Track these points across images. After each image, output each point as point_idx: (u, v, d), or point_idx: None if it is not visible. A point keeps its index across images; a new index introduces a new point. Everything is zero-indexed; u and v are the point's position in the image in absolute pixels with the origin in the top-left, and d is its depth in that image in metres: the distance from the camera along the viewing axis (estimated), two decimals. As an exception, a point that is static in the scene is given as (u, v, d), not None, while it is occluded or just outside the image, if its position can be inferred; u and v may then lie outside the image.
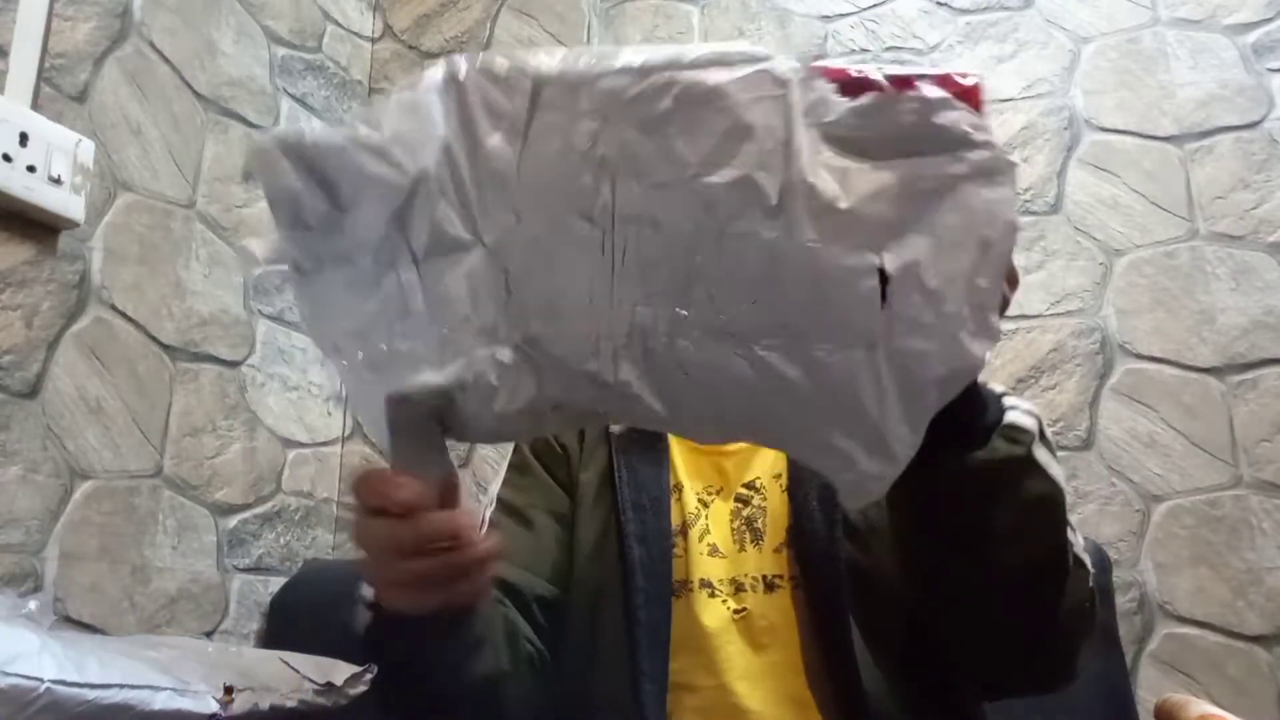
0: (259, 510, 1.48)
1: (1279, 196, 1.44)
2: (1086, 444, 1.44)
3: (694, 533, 0.84)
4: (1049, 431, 0.68)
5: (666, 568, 0.81)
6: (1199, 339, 1.42)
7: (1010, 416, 0.63)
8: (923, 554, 0.66)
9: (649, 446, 0.88)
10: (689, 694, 0.78)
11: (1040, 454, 0.64)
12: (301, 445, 1.58)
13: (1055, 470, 0.66)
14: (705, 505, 0.85)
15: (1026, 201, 1.55)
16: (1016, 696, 0.78)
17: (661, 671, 0.77)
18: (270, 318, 1.53)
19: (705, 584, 0.81)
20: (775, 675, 0.77)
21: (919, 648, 0.79)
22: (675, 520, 0.84)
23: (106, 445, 1.22)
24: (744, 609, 0.80)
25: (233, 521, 1.42)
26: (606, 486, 0.86)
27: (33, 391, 1.13)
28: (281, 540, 1.51)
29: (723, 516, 0.84)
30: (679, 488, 0.86)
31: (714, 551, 0.83)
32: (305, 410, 1.60)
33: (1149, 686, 1.31)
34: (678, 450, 0.88)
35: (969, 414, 0.59)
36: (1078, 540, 0.70)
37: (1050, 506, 0.65)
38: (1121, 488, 1.41)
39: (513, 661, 0.76)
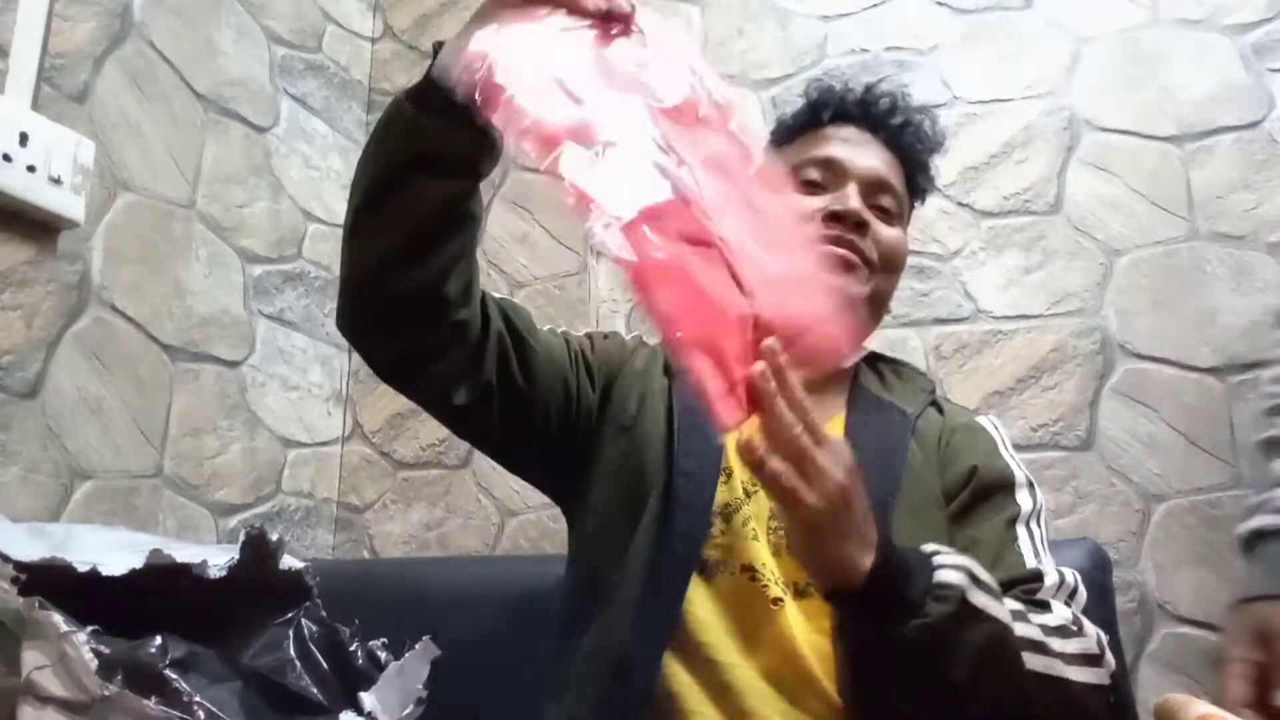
0: (259, 510, 1.48)
1: (1279, 197, 1.44)
2: (1086, 444, 1.44)
3: (739, 517, 0.84)
4: (981, 573, 0.71)
5: (698, 540, 0.82)
6: (1199, 339, 1.42)
7: (938, 576, 0.67)
8: (901, 712, 0.71)
9: (707, 420, 0.88)
10: (711, 666, 0.78)
11: (977, 599, 0.68)
12: (301, 445, 1.58)
13: (996, 610, 0.69)
14: (749, 496, 0.86)
15: (1026, 201, 1.55)
16: None
17: (663, 635, 0.78)
18: (270, 318, 1.53)
19: (747, 569, 0.82)
20: (797, 670, 0.78)
21: None
22: (721, 500, 0.85)
23: (106, 445, 1.22)
24: (779, 599, 0.80)
25: (233, 521, 1.42)
26: (665, 448, 0.86)
27: (33, 391, 1.13)
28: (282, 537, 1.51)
29: (762, 514, 0.85)
30: (729, 471, 0.87)
31: (757, 536, 0.83)
32: (305, 410, 1.60)
33: (1149, 686, 1.31)
34: (732, 435, 0.89)
35: (894, 589, 0.65)
36: (1084, 644, 0.74)
37: (998, 646, 0.69)
38: (1121, 488, 1.41)
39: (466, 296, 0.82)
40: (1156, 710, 0.60)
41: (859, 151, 0.94)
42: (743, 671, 0.78)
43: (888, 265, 0.92)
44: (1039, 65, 1.60)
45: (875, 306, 0.93)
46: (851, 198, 0.90)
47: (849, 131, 0.96)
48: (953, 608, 0.66)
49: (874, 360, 0.99)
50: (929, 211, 1.58)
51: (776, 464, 0.61)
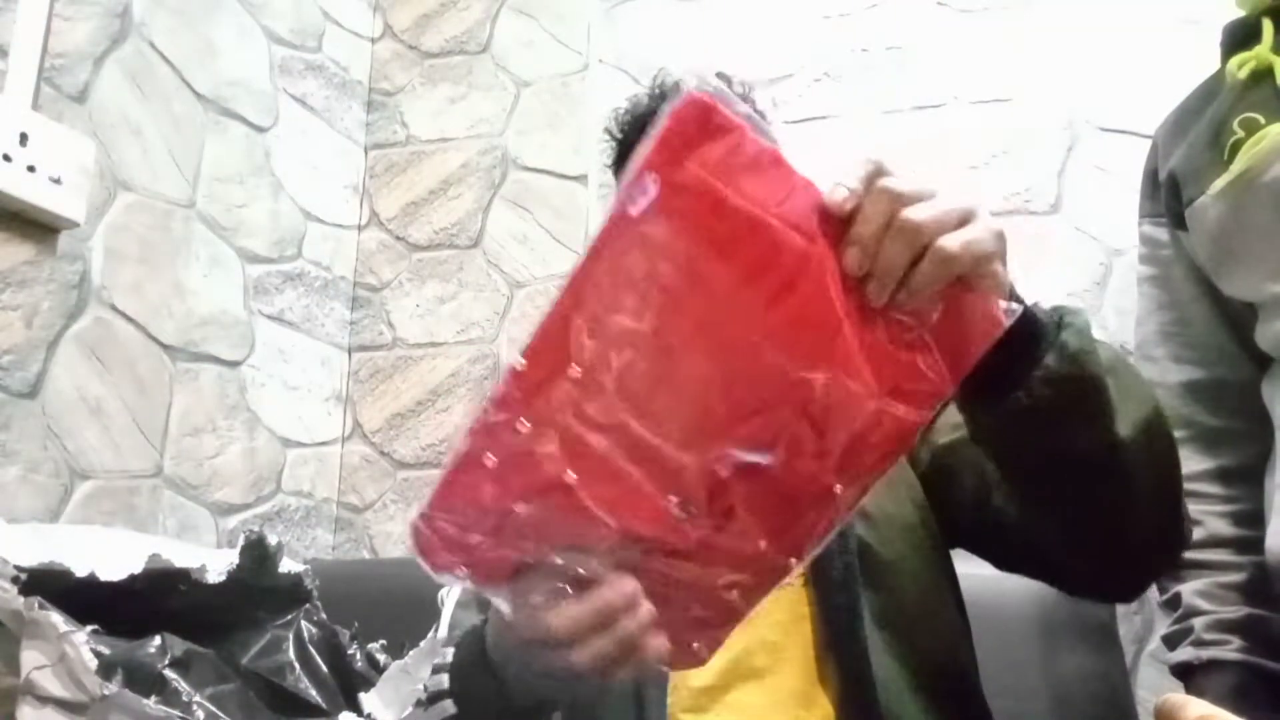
0: (259, 510, 1.48)
1: (1279, 197, 1.44)
2: (1086, 444, 1.44)
3: None
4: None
5: None
6: (1199, 339, 1.42)
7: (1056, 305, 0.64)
8: (1043, 458, 0.65)
9: None
10: (692, 692, 0.78)
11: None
12: (301, 445, 1.58)
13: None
14: None
15: (1026, 201, 1.55)
16: (1137, 580, 0.78)
17: (663, 674, 0.77)
18: (270, 318, 1.53)
19: None
20: (781, 671, 0.77)
21: (933, 629, 0.79)
22: None
23: (106, 445, 1.22)
24: None
25: (233, 521, 1.42)
26: None
27: (33, 391, 1.13)
28: (281, 540, 1.51)
29: None
30: None
31: None
32: (305, 410, 1.60)
33: (1149, 686, 1.31)
34: None
35: (1034, 319, 0.60)
36: None
37: (1127, 367, 0.67)
38: (1121, 488, 1.41)
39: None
40: (1156, 710, 0.60)
41: None
42: (735, 692, 0.78)
43: None
44: (1039, 65, 1.60)
45: None
46: None
47: None
48: (1085, 320, 0.62)
49: None
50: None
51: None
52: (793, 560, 0.57)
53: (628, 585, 0.54)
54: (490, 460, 0.49)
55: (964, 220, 0.54)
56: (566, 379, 0.49)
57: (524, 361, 0.49)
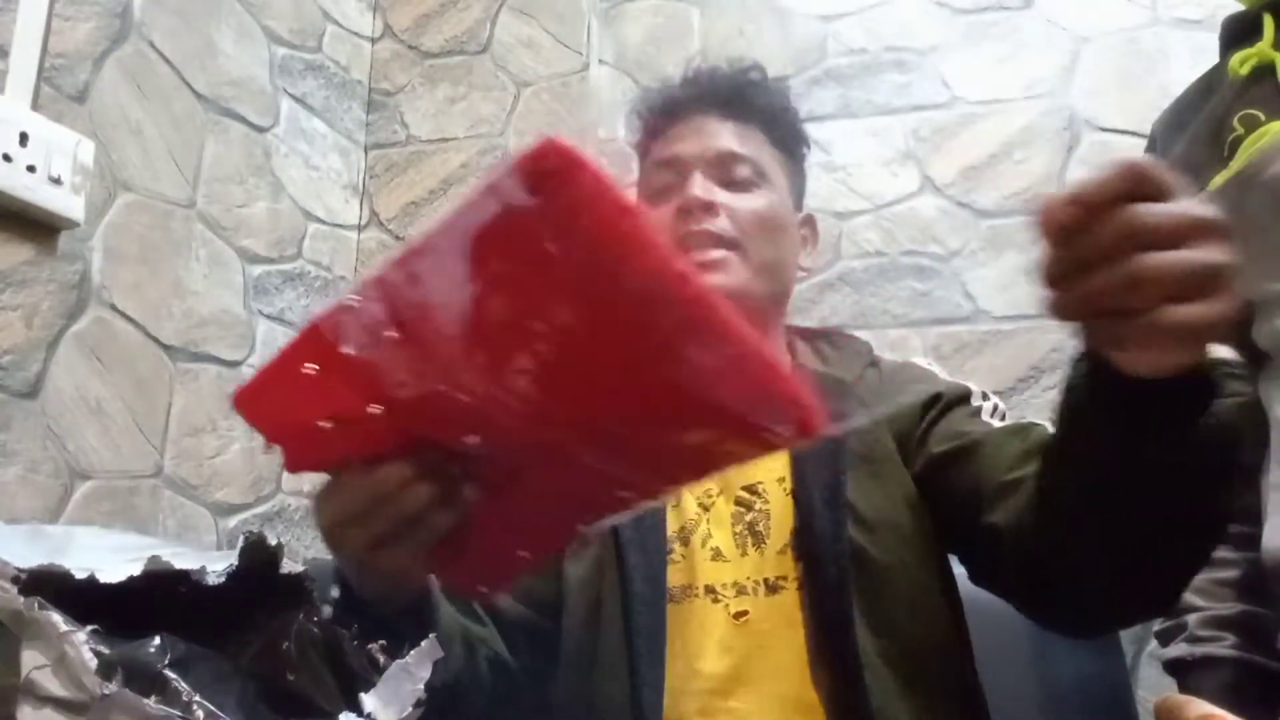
0: (259, 510, 1.48)
1: None
2: (1086, 444, 1.44)
3: (695, 538, 0.83)
4: None
5: (662, 574, 0.81)
6: (1199, 339, 1.42)
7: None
8: (1142, 501, 0.60)
9: None
10: (688, 698, 0.78)
11: None
12: (301, 445, 1.58)
13: None
14: (705, 509, 0.84)
15: (1027, 201, 1.55)
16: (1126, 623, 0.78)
17: (659, 678, 0.77)
18: (270, 318, 1.53)
19: (710, 590, 0.81)
20: (775, 677, 0.77)
21: (927, 632, 0.79)
22: (674, 527, 0.84)
23: (106, 445, 1.22)
24: (745, 611, 0.80)
25: (233, 521, 1.42)
26: None
27: (33, 391, 1.13)
28: (281, 541, 1.51)
29: (724, 519, 0.84)
30: (677, 494, 0.86)
31: (717, 556, 0.82)
32: (305, 410, 1.60)
33: (1149, 686, 1.31)
34: None
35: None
36: None
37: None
38: (1121, 488, 1.41)
39: (470, 670, 0.75)
40: (1156, 710, 0.60)
41: (698, 138, 0.91)
42: (731, 699, 0.77)
43: (758, 232, 0.87)
44: (1039, 65, 1.60)
45: (771, 277, 0.88)
46: (692, 186, 0.87)
47: (689, 125, 0.93)
48: (1242, 369, 0.60)
49: (809, 335, 0.98)
50: (929, 211, 1.58)
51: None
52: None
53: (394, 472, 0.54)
54: (310, 369, 0.50)
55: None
56: (388, 333, 0.48)
57: (357, 299, 0.48)
